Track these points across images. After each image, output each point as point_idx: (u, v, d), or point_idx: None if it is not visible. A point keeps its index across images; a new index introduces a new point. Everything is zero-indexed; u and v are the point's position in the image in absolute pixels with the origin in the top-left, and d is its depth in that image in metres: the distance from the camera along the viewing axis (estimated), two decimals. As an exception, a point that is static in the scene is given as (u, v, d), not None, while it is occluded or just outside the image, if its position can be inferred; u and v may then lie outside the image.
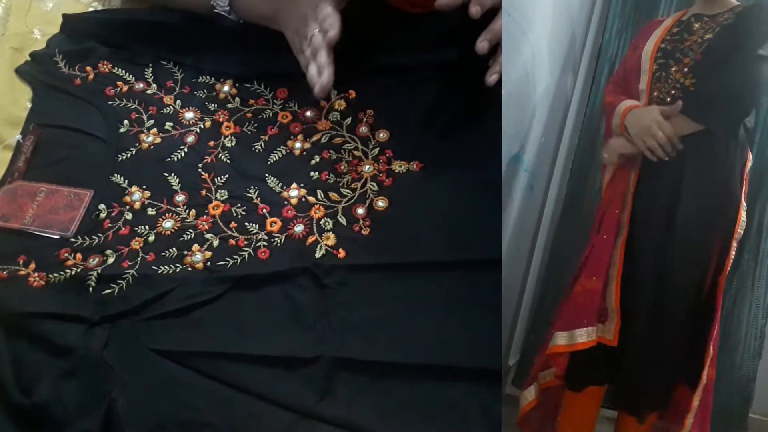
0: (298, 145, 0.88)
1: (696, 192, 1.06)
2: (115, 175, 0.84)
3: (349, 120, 0.91)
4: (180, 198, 0.83)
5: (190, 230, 0.81)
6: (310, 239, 0.80)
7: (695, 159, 1.06)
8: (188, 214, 0.82)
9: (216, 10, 0.90)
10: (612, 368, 1.13)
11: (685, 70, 1.08)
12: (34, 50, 0.93)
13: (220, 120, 0.90)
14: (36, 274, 0.75)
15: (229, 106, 0.91)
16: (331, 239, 0.80)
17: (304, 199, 0.84)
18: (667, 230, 1.07)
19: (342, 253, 0.79)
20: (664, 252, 1.07)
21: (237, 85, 0.93)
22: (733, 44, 1.05)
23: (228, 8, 0.90)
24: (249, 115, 0.91)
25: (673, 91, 1.08)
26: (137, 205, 0.82)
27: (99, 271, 0.76)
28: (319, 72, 0.82)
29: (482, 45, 0.81)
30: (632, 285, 1.10)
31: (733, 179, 1.08)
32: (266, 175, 0.86)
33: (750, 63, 1.02)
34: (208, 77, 0.93)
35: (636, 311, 1.09)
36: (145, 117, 0.90)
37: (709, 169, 1.07)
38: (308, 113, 0.91)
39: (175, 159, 0.86)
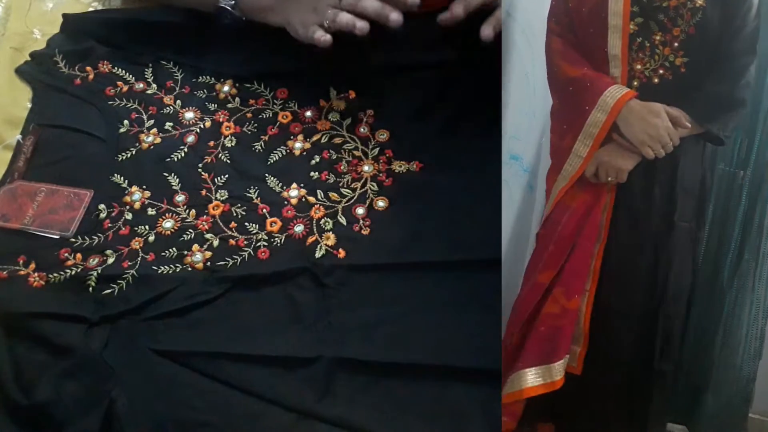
0: (298, 145, 0.88)
1: (687, 192, 0.96)
2: (115, 175, 0.84)
3: (349, 120, 0.91)
4: (180, 198, 0.83)
5: (190, 230, 0.81)
6: (310, 239, 0.80)
7: (686, 158, 0.94)
8: (188, 214, 0.82)
9: (221, 4, 0.90)
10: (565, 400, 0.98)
11: (675, 45, 0.89)
12: (34, 50, 0.93)
13: (220, 120, 0.90)
14: (36, 274, 0.75)
15: (229, 106, 0.91)
16: (331, 239, 0.80)
17: (304, 199, 0.84)
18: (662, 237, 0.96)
19: (342, 253, 0.79)
20: (658, 257, 0.96)
21: (237, 85, 0.93)
22: (731, 25, 0.89)
23: (233, 1, 0.89)
24: (249, 115, 0.91)
25: (661, 71, 0.90)
26: (137, 205, 0.82)
27: (99, 271, 0.76)
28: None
29: (487, 33, 0.81)
30: (610, 300, 0.97)
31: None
32: (266, 175, 0.85)
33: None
34: (208, 77, 0.93)
35: (614, 330, 0.97)
36: (145, 117, 0.89)
37: (697, 167, 0.97)
38: (308, 113, 0.91)
39: (175, 159, 0.86)
